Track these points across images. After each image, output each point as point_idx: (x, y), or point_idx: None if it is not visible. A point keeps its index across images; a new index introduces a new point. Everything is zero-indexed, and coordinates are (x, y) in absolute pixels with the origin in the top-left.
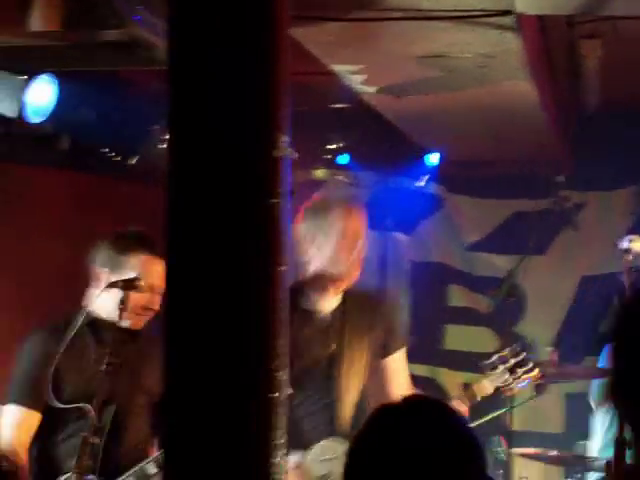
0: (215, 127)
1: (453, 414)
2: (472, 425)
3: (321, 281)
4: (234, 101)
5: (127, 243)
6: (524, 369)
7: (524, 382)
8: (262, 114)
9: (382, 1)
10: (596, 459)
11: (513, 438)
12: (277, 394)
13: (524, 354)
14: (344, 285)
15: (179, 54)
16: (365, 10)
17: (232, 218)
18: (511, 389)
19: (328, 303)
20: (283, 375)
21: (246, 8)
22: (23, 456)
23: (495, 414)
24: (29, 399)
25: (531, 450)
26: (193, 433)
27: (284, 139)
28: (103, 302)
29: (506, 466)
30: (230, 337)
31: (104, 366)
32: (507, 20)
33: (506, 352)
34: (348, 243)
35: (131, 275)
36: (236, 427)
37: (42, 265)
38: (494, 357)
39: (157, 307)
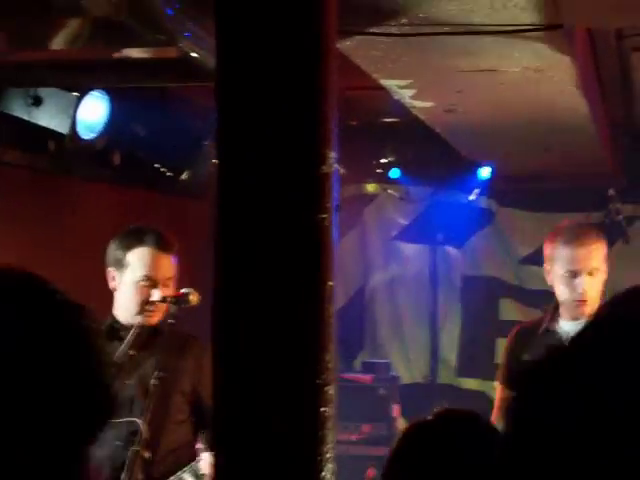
0: (263, 143)
1: (485, 426)
2: None
3: (561, 305)
4: (282, 117)
5: (128, 240)
6: None
7: None
8: (310, 130)
9: (431, 16)
10: None
11: None
12: (326, 408)
13: None
14: (585, 312)
15: (226, 70)
16: (414, 25)
17: (281, 233)
18: None
19: (571, 328)
20: (331, 389)
21: (293, 24)
22: None
23: None
24: None
25: None
26: (242, 447)
27: (332, 155)
28: (119, 304)
29: None
30: (279, 351)
31: (154, 379)
32: (556, 34)
33: None
34: (570, 273)
35: (134, 272)
36: (285, 441)
37: (93, 280)
38: None
39: (170, 295)
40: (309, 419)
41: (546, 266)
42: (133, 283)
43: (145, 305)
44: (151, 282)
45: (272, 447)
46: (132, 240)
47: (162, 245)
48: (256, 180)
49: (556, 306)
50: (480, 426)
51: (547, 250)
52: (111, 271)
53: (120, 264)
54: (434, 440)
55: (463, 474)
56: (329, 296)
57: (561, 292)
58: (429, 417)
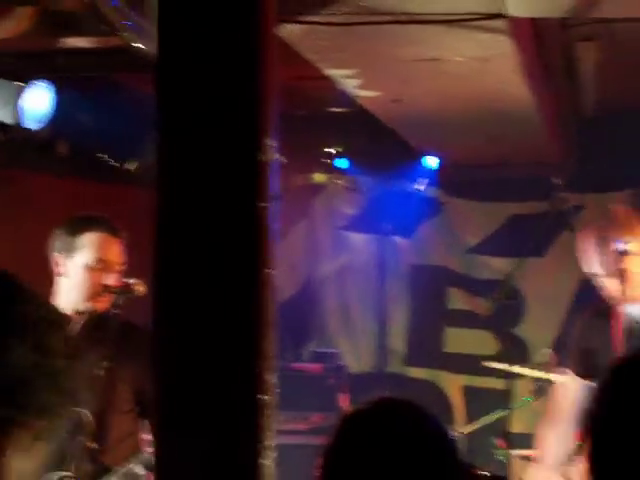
0: (201, 131)
1: (421, 412)
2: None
3: None
4: (220, 105)
5: (78, 225)
6: None
7: None
8: (247, 118)
9: (370, 5)
10: None
11: (513, 440)
12: (265, 396)
13: None
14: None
15: (165, 58)
16: (357, 14)
17: (220, 221)
18: None
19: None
20: (271, 377)
21: (232, 13)
22: None
23: (494, 416)
24: None
25: (531, 452)
26: (183, 435)
27: (270, 143)
28: (64, 291)
29: (505, 468)
30: (217, 339)
31: (101, 370)
32: (499, 23)
33: None
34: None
35: (86, 256)
36: (224, 429)
37: (42, 271)
38: None
39: (116, 284)
40: (247, 406)
41: None
42: (84, 267)
43: (97, 289)
44: (103, 265)
45: (211, 435)
46: (82, 225)
47: (112, 229)
48: (195, 168)
49: None
50: (417, 414)
51: None
52: (57, 256)
53: (69, 249)
54: (370, 428)
55: (400, 462)
56: (267, 283)
57: None
58: (366, 405)
